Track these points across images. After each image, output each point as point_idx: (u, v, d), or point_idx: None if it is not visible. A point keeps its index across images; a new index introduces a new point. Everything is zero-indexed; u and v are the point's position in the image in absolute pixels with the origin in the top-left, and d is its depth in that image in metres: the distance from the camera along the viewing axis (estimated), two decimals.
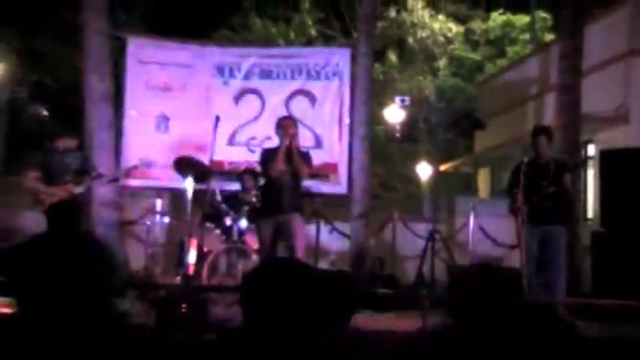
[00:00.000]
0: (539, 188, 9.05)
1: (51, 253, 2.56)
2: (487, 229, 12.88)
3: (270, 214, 8.92)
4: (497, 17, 27.40)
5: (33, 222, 10.34)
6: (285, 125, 9.04)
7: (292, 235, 8.82)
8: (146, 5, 22.91)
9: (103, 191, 11.25)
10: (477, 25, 27.36)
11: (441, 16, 26.55)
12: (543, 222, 9.02)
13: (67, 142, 9.94)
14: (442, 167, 20.88)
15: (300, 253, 8.81)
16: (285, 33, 26.25)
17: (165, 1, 22.45)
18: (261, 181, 10.80)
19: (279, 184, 8.86)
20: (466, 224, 12.94)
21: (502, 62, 25.89)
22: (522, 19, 27.05)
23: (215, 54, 13.80)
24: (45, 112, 12.67)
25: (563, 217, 9.03)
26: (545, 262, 8.93)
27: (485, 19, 27.52)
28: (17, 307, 2.60)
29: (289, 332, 2.64)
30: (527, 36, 26.80)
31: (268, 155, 9.05)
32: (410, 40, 26.57)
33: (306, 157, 9.15)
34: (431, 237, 11.86)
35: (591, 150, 15.99)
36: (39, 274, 2.54)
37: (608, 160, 10.36)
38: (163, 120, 13.15)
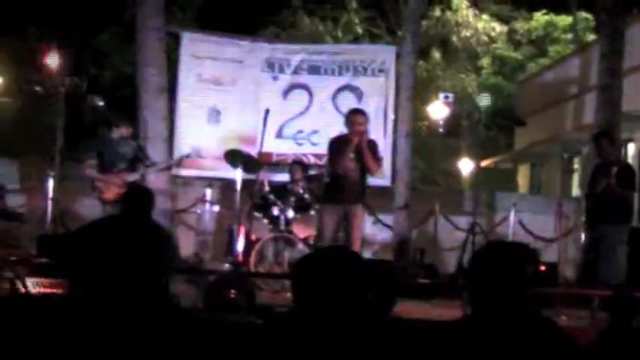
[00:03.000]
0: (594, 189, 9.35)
1: (122, 235, 2.58)
2: (526, 223, 12.81)
3: (337, 202, 8.91)
4: (539, 17, 27.20)
5: (90, 208, 10.51)
6: (355, 121, 8.93)
7: (353, 226, 8.85)
8: (198, 4, 23.03)
9: (155, 179, 11.32)
10: (519, 25, 27.18)
11: (484, 16, 26.42)
12: (595, 221, 9.27)
13: (122, 132, 10.08)
14: (483, 163, 20.77)
15: (358, 243, 8.84)
16: (333, 31, 26.24)
17: (216, 3, 22.53)
18: (309, 172, 10.85)
19: (346, 177, 8.84)
20: (506, 218, 12.89)
21: (544, 62, 25.70)
22: (565, 20, 26.82)
23: (265, 50, 13.80)
24: (101, 103, 12.78)
25: (613, 217, 9.11)
26: (597, 259, 9.15)
27: (528, 19, 27.32)
28: (77, 287, 2.62)
29: (337, 318, 2.64)
30: (569, 36, 26.57)
31: (337, 147, 8.96)
32: (454, 38, 26.47)
33: (374, 148, 9.09)
34: (471, 229, 11.84)
35: (631, 148, 15.83)
36: (107, 256, 2.56)
37: None
38: (214, 112, 13.19)
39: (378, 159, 9.19)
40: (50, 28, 18.77)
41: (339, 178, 8.89)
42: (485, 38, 26.52)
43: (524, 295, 3.01)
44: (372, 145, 9.11)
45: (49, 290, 7.18)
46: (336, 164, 8.89)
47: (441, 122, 18.77)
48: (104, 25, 20.73)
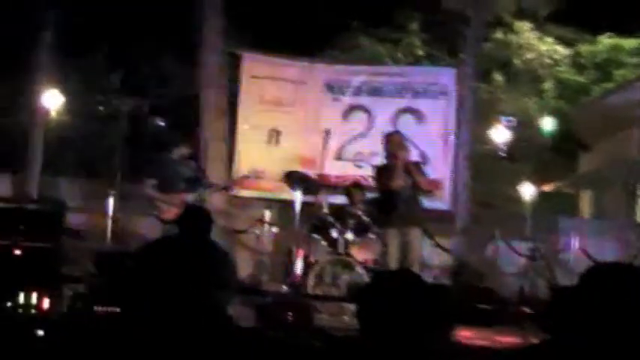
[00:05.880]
0: None
1: (181, 255, 2.59)
2: (589, 249, 12.60)
3: (394, 225, 8.93)
4: (604, 40, 26.85)
5: (149, 227, 10.59)
6: (398, 140, 9.09)
7: (412, 249, 8.86)
8: (255, 25, 23.15)
9: (214, 200, 11.37)
10: (584, 48, 26.87)
11: (548, 39, 26.16)
12: None
13: (182, 152, 10.12)
14: (545, 188, 20.54)
15: (415, 267, 8.82)
16: (393, 53, 26.18)
17: (274, 21, 22.61)
18: (367, 195, 10.80)
19: (400, 197, 8.86)
20: (568, 244, 12.70)
21: (609, 85, 25.35)
22: (631, 43, 26.43)
23: (325, 71, 13.85)
24: (162, 123, 12.90)
25: None
26: None
27: (593, 42, 26.99)
28: (134, 306, 2.63)
29: (402, 343, 2.61)
30: (635, 59, 26.17)
31: (385, 170, 9.04)
32: (516, 61, 26.26)
33: (421, 168, 9.21)
34: (532, 255, 11.70)
35: None
36: (166, 276, 2.57)
37: None
38: (274, 133, 13.25)
39: (427, 178, 9.28)
40: (114, 50, 19.07)
41: (393, 195, 8.91)
42: (549, 61, 26.26)
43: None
44: (417, 165, 9.26)
45: (107, 308, 7.22)
46: (391, 185, 8.91)
47: (503, 146, 18.65)
48: (167, 47, 20.96)
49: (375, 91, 13.48)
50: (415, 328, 2.61)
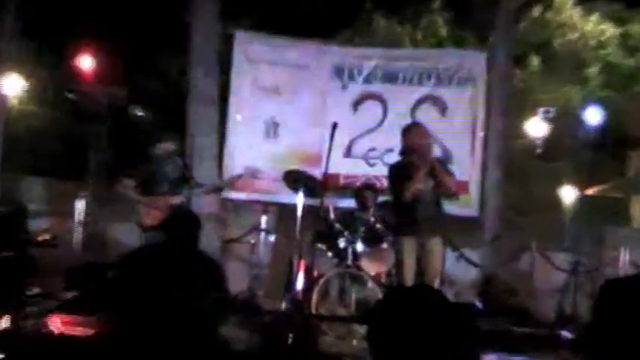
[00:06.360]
0: None
1: (166, 265, 2.60)
2: None
3: (412, 234, 8.81)
4: None
5: (126, 234, 10.61)
6: (419, 133, 8.90)
7: (432, 261, 8.77)
8: (261, 9, 23.17)
9: (203, 203, 11.35)
10: (635, 27, 26.76)
11: (593, 17, 26.06)
12: None
13: (166, 147, 10.07)
14: (588, 191, 20.50)
15: (436, 281, 8.76)
16: (413, 34, 26.12)
17: (282, 5, 22.64)
18: (380, 199, 10.79)
19: (419, 201, 8.73)
20: (616, 257, 12.68)
21: None
22: None
23: (333, 54, 13.72)
24: (141, 114, 12.85)
25: None
26: None
27: None
28: (112, 323, 2.63)
29: None
30: None
31: (402, 169, 8.89)
32: (556, 43, 26.16)
33: (446, 166, 9.14)
34: (574, 269, 11.69)
35: None
36: (151, 290, 2.58)
37: None
38: (272, 125, 13.22)
39: (453, 175, 9.13)
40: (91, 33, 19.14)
41: (412, 203, 8.76)
42: (594, 43, 26.15)
43: None
44: (442, 162, 9.20)
45: (77, 329, 7.23)
46: (404, 187, 8.76)
47: (540, 142, 18.61)
48: (151, 30, 21.04)
49: (391, 78, 13.42)
50: (435, 353, 2.61)
